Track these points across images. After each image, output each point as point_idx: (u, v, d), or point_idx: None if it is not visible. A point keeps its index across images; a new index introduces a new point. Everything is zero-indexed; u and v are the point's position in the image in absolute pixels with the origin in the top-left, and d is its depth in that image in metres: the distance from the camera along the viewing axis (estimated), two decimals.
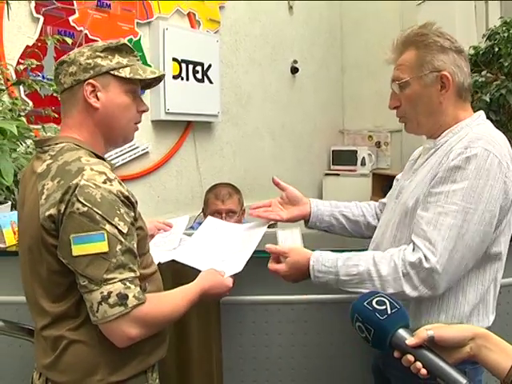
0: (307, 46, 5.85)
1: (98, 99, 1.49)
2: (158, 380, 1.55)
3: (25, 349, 1.92)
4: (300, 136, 5.80)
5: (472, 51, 2.55)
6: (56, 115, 3.02)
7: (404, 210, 1.59)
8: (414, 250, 1.47)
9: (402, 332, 1.13)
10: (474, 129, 1.54)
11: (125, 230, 1.36)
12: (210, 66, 4.35)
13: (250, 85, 5.01)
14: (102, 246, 1.32)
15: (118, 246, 1.34)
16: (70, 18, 3.32)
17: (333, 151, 6.24)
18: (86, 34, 3.40)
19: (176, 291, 1.52)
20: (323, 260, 1.58)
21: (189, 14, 4.28)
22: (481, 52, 2.50)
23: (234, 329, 2.07)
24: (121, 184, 1.40)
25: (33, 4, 3.15)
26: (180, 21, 4.21)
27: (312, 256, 1.60)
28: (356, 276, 1.51)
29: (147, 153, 3.97)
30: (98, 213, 1.32)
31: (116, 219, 1.35)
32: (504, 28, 2.38)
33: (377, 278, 1.48)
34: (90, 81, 1.47)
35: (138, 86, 1.57)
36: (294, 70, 5.59)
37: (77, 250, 1.32)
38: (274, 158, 5.41)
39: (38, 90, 2.70)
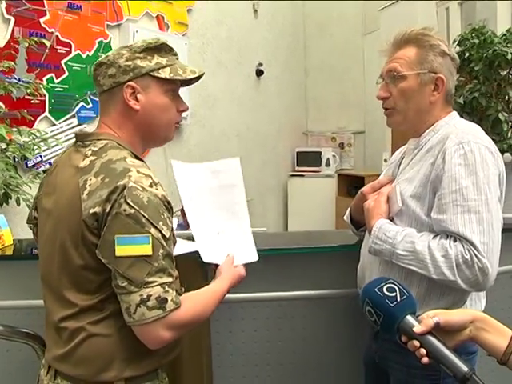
0: (271, 49, 5.93)
1: (137, 101, 1.47)
2: (166, 378, 1.56)
3: (25, 353, 1.90)
4: (265, 138, 5.86)
5: None
6: (32, 118, 3.01)
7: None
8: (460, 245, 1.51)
9: (409, 318, 1.17)
10: (458, 125, 1.63)
11: (167, 235, 1.36)
12: None
13: (216, 87, 5.05)
14: (145, 249, 1.32)
15: (161, 251, 1.34)
16: (41, 20, 3.28)
17: (297, 152, 6.33)
18: (57, 36, 3.37)
19: (207, 292, 1.53)
20: (385, 230, 1.61)
21: (157, 17, 4.29)
22: None
23: (224, 326, 2.11)
24: (162, 188, 1.40)
25: (4, 5, 3.11)
26: (149, 23, 4.22)
27: (377, 222, 1.64)
28: (412, 253, 1.54)
29: None
30: (144, 216, 1.32)
31: (160, 223, 1.34)
32: (473, 34, 2.48)
33: (430, 261, 1.51)
34: (130, 83, 1.45)
35: (178, 86, 1.54)
36: (259, 73, 5.65)
37: (120, 250, 1.31)
38: (241, 159, 5.43)
39: (14, 92, 2.68)
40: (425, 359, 1.13)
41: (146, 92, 1.47)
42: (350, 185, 5.82)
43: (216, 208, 1.77)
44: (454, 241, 1.50)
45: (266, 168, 5.88)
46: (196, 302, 1.46)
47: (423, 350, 1.13)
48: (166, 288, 1.33)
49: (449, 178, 1.53)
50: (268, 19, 5.80)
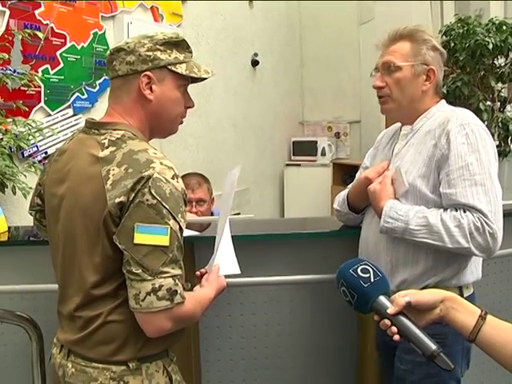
0: (267, 39, 5.95)
1: (151, 91, 1.50)
2: (175, 357, 1.61)
3: (19, 336, 1.96)
4: (261, 127, 5.90)
5: None
6: (27, 108, 3.07)
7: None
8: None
9: (382, 299, 1.22)
10: (455, 110, 1.82)
11: (184, 227, 1.41)
12: None
13: (212, 78, 5.01)
14: (163, 240, 1.35)
15: (176, 242, 1.37)
16: (36, 12, 3.32)
17: (293, 142, 6.36)
18: (51, 28, 3.42)
19: (201, 294, 1.56)
20: (397, 208, 1.75)
21: (152, 8, 4.32)
22: None
23: (211, 310, 2.16)
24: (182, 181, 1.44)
25: None
26: (144, 14, 4.25)
27: (387, 202, 1.77)
28: (426, 227, 1.69)
29: None
30: (165, 207, 1.35)
31: (179, 216, 1.38)
32: (459, 24, 2.52)
33: (444, 231, 1.66)
34: (147, 73, 1.48)
35: (189, 82, 1.59)
36: (255, 63, 5.68)
37: (139, 238, 1.34)
38: (237, 149, 5.50)
39: (9, 83, 2.74)
40: (396, 337, 1.19)
41: (160, 84, 1.51)
42: (345, 174, 5.86)
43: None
44: (464, 211, 1.66)
45: (262, 157, 5.93)
46: (195, 301, 1.50)
47: (394, 328, 1.19)
48: (177, 281, 1.37)
49: (455, 155, 1.69)
50: (263, 10, 5.82)
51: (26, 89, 3.11)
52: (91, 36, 3.74)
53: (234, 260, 1.80)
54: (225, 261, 1.77)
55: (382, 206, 1.77)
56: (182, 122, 1.64)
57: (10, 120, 2.90)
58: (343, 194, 2.07)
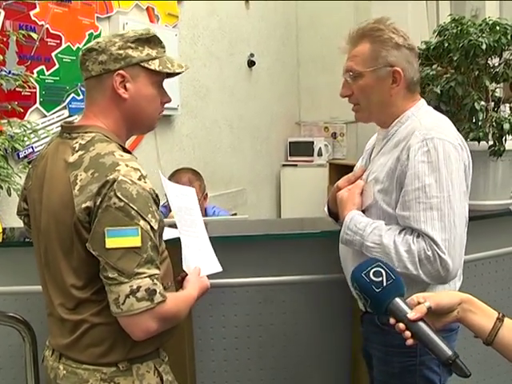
0: (263, 39, 5.95)
1: (126, 90, 1.51)
2: (167, 357, 1.63)
3: (13, 338, 1.96)
4: (257, 128, 5.89)
5: (423, 46, 2.67)
6: (22, 110, 3.06)
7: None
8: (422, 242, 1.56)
9: (398, 302, 1.20)
10: (422, 120, 1.66)
11: (155, 227, 1.40)
12: None
13: (208, 78, 5.08)
14: (135, 241, 1.35)
15: (149, 242, 1.38)
16: (31, 13, 3.32)
17: (290, 142, 6.35)
18: (47, 29, 3.41)
19: (184, 294, 1.57)
20: (356, 221, 1.66)
21: (148, 9, 4.31)
22: (432, 47, 2.62)
23: (205, 311, 2.17)
24: (149, 181, 1.44)
25: None
26: (139, 15, 4.24)
27: (349, 213, 1.69)
28: (379, 246, 1.60)
29: None
30: (133, 208, 1.36)
31: (149, 216, 1.39)
32: (453, 25, 2.52)
33: (394, 254, 1.57)
34: (120, 71, 1.49)
35: (164, 78, 1.59)
36: (251, 64, 5.67)
37: (110, 242, 1.35)
38: (233, 150, 5.50)
39: (4, 84, 2.73)
40: (409, 341, 1.17)
41: (134, 81, 1.52)
42: (342, 174, 5.78)
43: (183, 225, 1.81)
44: (418, 236, 1.56)
45: (258, 158, 5.93)
46: (177, 300, 1.50)
47: (408, 333, 1.17)
48: (155, 281, 1.38)
49: (412, 175, 1.57)
50: (259, 10, 5.81)
51: (21, 90, 3.11)
52: (87, 37, 3.73)
53: (214, 258, 1.80)
54: (205, 261, 1.77)
55: (345, 215, 1.70)
56: (160, 118, 1.64)
57: (5, 121, 2.89)
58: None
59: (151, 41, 1.55)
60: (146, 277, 1.36)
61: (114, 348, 1.48)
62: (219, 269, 1.79)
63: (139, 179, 1.40)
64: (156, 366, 1.55)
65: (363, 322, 1.84)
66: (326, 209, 2.04)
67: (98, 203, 1.37)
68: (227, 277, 2.15)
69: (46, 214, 1.51)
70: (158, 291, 1.38)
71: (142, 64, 1.52)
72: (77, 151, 1.45)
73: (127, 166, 1.40)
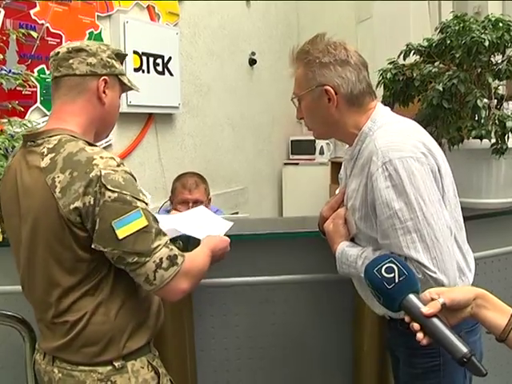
0: (264, 38, 5.94)
1: (106, 95, 1.58)
2: (157, 352, 1.66)
3: (14, 337, 1.95)
4: (259, 127, 5.89)
5: (425, 43, 2.66)
6: (22, 109, 3.05)
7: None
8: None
9: (412, 298, 1.18)
10: (377, 142, 1.57)
11: (148, 202, 1.48)
12: (170, 58, 4.40)
13: (209, 76, 5.07)
14: (141, 222, 1.42)
15: (151, 217, 1.46)
16: (31, 11, 3.32)
17: (291, 141, 6.35)
18: (47, 28, 3.41)
19: (197, 250, 1.66)
20: (347, 255, 1.66)
21: (148, 7, 4.31)
22: (434, 44, 2.60)
23: (206, 310, 2.16)
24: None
25: None
26: (140, 14, 4.24)
27: (338, 247, 1.69)
28: None
29: (110, 145, 3.99)
30: (127, 194, 1.42)
31: (140, 194, 1.46)
32: (455, 21, 2.50)
33: None
34: (106, 77, 1.57)
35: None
36: (252, 62, 5.67)
37: (121, 232, 1.40)
38: (235, 148, 5.49)
39: (4, 84, 2.72)
40: (424, 341, 1.15)
41: (111, 90, 1.61)
42: None
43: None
44: (405, 260, 1.50)
45: (260, 156, 5.92)
46: (193, 255, 1.59)
47: (420, 335, 1.14)
48: (170, 246, 1.48)
49: (381, 204, 1.53)
50: (260, 8, 5.80)
51: (21, 89, 3.10)
52: (87, 36, 3.73)
53: (222, 220, 1.93)
54: (215, 225, 1.90)
55: (335, 250, 1.70)
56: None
57: (6, 120, 2.88)
58: None
59: (124, 58, 1.70)
60: (161, 247, 1.45)
61: (109, 346, 1.50)
62: (230, 224, 1.90)
63: (118, 166, 1.45)
64: (149, 360, 1.59)
65: (390, 327, 1.83)
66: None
67: (90, 203, 1.40)
68: (228, 276, 2.15)
69: (26, 225, 1.51)
70: (176, 254, 1.48)
71: (120, 77, 1.63)
72: (46, 155, 1.47)
73: (102, 157, 1.44)
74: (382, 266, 1.21)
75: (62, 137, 1.50)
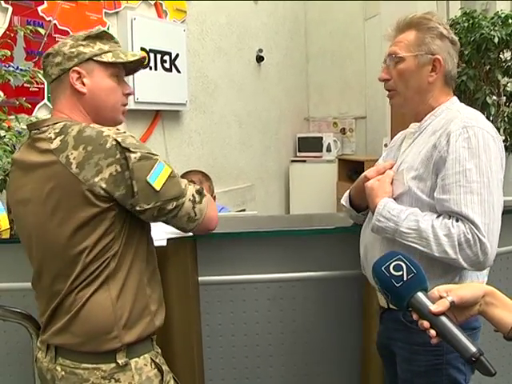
0: (272, 35, 5.93)
1: (84, 85, 1.57)
2: (159, 350, 1.66)
3: (21, 334, 1.96)
4: (266, 124, 5.88)
5: None
6: (29, 105, 3.05)
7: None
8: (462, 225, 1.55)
9: (420, 296, 1.16)
10: (461, 110, 1.69)
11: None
12: (177, 55, 4.40)
13: (216, 73, 5.07)
14: (167, 170, 1.54)
15: (167, 163, 1.56)
16: (39, 8, 3.32)
17: (299, 138, 6.34)
18: (55, 24, 3.41)
19: None
20: (390, 208, 1.65)
21: (156, 4, 4.31)
22: None
23: (213, 308, 2.16)
24: None
25: None
26: (147, 11, 4.24)
27: (382, 200, 1.68)
28: (416, 231, 1.58)
29: None
30: (144, 151, 1.50)
31: (152, 150, 1.54)
32: (464, 18, 2.49)
33: (433, 239, 1.55)
34: (75, 68, 1.56)
35: (122, 70, 1.65)
36: (260, 59, 5.66)
37: (157, 184, 1.50)
38: (242, 145, 5.49)
39: (11, 80, 2.72)
40: (434, 340, 1.14)
41: (90, 76, 1.58)
42: (351, 170, 5.84)
43: None
44: (457, 220, 1.55)
45: (267, 153, 5.92)
46: None
47: (433, 332, 1.13)
48: (190, 183, 1.61)
49: (453, 159, 1.58)
50: (268, 5, 5.79)
51: (29, 86, 3.11)
52: None
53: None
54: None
55: (377, 203, 1.69)
56: (125, 111, 1.70)
57: (13, 117, 2.89)
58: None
59: (102, 37, 1.62)
60: (188, 185, 1.58)
61: (110, 333, 1.50)
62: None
63: (124, 132, 1.52)
64: (152, 358, 1.59)
65: (383, 319, 1.82)
66: (344, 200, 2.01)
67: (117, 170, 1.46)
68: (236, 273, 2.15)
69: (35, 206, 1.53)
70: (199, 187, 1.62)
71: (95, 58, 1.58)
72: (55, 139, 1.50)
73: (109, 129, 1.50)
74: (390, 264, 1.20)
75: (65, 122, 1.52)
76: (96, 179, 1.44)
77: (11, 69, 2.84)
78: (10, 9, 3.18)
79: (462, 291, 1.16)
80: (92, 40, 1.59)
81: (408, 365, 1.71)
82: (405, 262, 1.20)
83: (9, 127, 2.83)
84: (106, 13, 3.83)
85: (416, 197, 1.66)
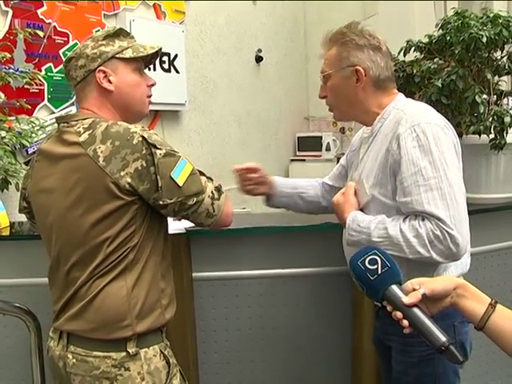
0: (271, 35, 5.96)
1: (110, 83, 1.63)
2: (168, 343, 1.71)
3: (21, 328, 2.00)
4: (266, 123, 5.91)
5: (426, 40, 2.68)
6: (30, 107, 3.11)
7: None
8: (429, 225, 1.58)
9: (394, 288, 1.21)
10: (406, 110, 1.71)
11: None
12: (176, 56, 4.44)
13: (215, 74, 5.11)
14: (189, 166, 1.59)
15: (189, 160, 1.61)
16: (39, 11, 3.37)
17: (298, 137, 6.37)
18: (54, 27, 3.46)
19: None
20: (359, 220, 1.69)
21: (154, 6, 4.36)
22: (434, 40, 2.62)
23: (207, 303, 2.21)
24: None
25: None
26: (146, 12, 4.29)
27: (350, 214, 1.73)
28: (387, 238, 1.62)
29: None
30: (168, 148, 1.56)
31: (175, 148, 1.59)
32: (456, 18, 2.52)
33: (404, 243, 1.59)
34: (100, 68, 1.61)
35: (142, 63, 1.71)
36: (259, 59, 5.69)
37: (180, 180, 1.55)
38: (241, 145, 5.53)
39: (11, 82, 2.78)
40: (407, 330, 1.19)
41: (115, 73, 1.64)
42: None
43: None
44: (423, 219, 1.59)
45: (267, 153, 5.95)
46: None
47: (406, 322, 1.18)
48: (210, 180, 1.67)
49: (407, 161, 1.61)
50: (267, 5, 5.82)
51: (29, 87, 3.16)
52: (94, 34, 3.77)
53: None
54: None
55: (345, 218, 1.73)
56: (150, 102, 1.76)
57: (13, 118, 2.94)
58: None
59: (119, 34, 1.67)
60: (207, 182, 1.64)
61: (122, 321, 1.55)
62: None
63: (149, 130, 1.57)
64: (161, 349, 1.64)
65: (379, 316, 1.87)
66: None
67: (142, 165, 1.51)
68: (229, 269, 2.19)
69: (61, 195, 1.58)
70: (218, 184, 1.67)
71: (118, 56, 1.64)
72: (84, 133, 1.56)
73: (136, 126, 1.55)
74: (365, 258, 1.24)
75: (94, 119, 1.58)
76: (122, 173, 1.50)
77: (11, 71, 2.90)
78: (10, 12, 3.23)
79: (434, 284, 1.20)
80: (111, 38, 1.65)
81: (402, 356, 1.76)
82: (379, 256, 1.24)
83: (9, 128, 2.89)
84: (104, 14, 3.88)
85: (381, 203, 1.70)
